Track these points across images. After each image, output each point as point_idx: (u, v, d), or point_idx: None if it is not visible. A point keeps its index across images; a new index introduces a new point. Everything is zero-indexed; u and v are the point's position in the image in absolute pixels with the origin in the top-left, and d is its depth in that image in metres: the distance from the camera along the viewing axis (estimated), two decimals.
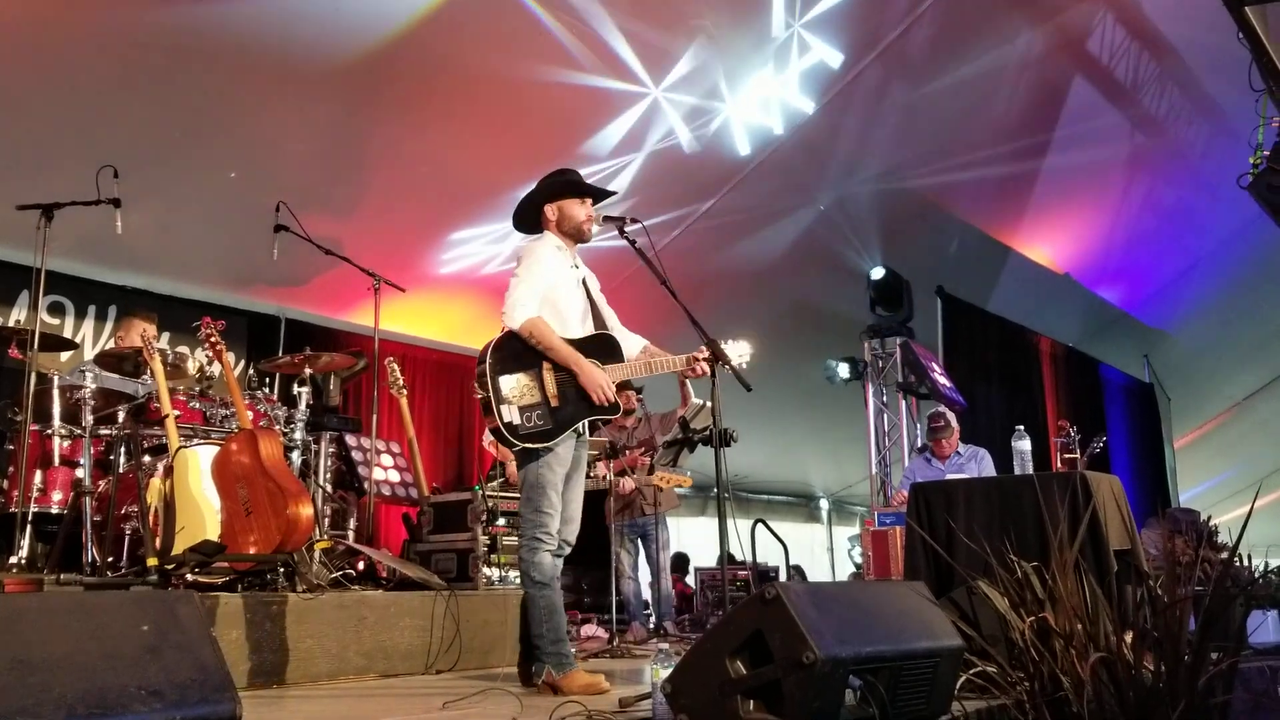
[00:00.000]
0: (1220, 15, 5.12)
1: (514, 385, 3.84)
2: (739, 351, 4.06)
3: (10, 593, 4.01)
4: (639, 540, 7.29)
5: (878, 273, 10.06)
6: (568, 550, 4.05)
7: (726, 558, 4.03)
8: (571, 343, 3.91)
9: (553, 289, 3.98)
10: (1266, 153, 6.36)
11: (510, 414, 3.80)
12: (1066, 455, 5.61)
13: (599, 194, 4.18)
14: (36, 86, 6.05)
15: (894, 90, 8.49)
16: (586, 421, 3.98)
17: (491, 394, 3.79)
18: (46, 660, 1.43)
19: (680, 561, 11.14)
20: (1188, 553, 5.97)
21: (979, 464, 7.14)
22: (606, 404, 3.90)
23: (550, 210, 4.11)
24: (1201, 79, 9.46)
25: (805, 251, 9.91)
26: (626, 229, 4.03)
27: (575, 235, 4.11)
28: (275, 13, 6.08)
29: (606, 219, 4.10)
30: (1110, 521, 4.29)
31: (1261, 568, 4.74)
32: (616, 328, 4.17)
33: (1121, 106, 9.70)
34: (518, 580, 5.43)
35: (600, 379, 3.88)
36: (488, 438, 6.58)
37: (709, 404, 3.98)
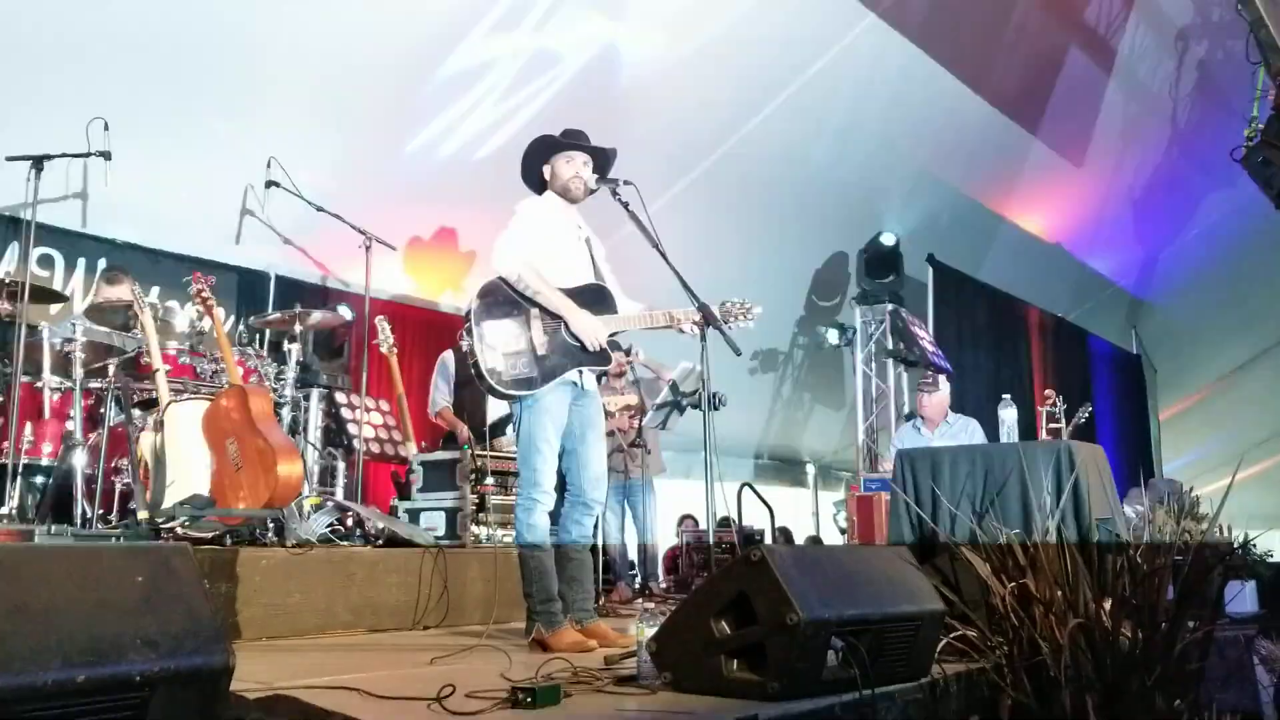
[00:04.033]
0: None
1: (500, 332, 3.81)
2: (743, 309, 4.02)
3: (4, 542, 4.02)
4: (625, 501, 7.33)
5: (889, 239, 10.08)
6: (598, 508, 4.07)
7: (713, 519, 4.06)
8: (563, 291, 3.91)
9: (546, 240, 3.97)
10: (1261, 126, 6.36)
11: (494, 360, 3.78)
12: (1052, 424, 5.66)
13: (592, 151, 4.15)
14: (25, 37, 5.98)
15: (889, 57, 8.46)
16: (586, 374, 3.99)
17: (475, 338, 3.78)
18: (43, 608, 1.45)
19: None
20: (1168, 523, 6.03)
21: (970, 434, 7.11)
22: (598, 349, 3.89)
23: (546, 169, 4.12)
24: (1198, 51, 9.46)
25: (797, 217, 9.90)
26: (619, 190, 4.03)
27: (564, 193, 4.10)
28: None
29: (600, 181, 4.08)
30: (1092, 491, 4.33)
31: (1241, 538, 4.80)
32: (618, 294, 4.16)
33: (1117, 78, 9.69)
34: (506, 539, 5.48)
35: (592, 324, 3.88)
36: (431, 411, 6.57)
37: (699, 367, 3.99)
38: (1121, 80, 9.74)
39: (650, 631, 2.86)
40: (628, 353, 7.13)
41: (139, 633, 1.52)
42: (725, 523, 8.56)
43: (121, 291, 5.38)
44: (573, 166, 4.08)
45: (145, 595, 1.55)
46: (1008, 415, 5.17)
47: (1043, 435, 5.85)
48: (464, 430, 6.20)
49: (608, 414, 6.55)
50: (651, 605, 2.99)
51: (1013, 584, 3.36)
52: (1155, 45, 9.42)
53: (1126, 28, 9.11)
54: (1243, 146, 6.52)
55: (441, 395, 6.51)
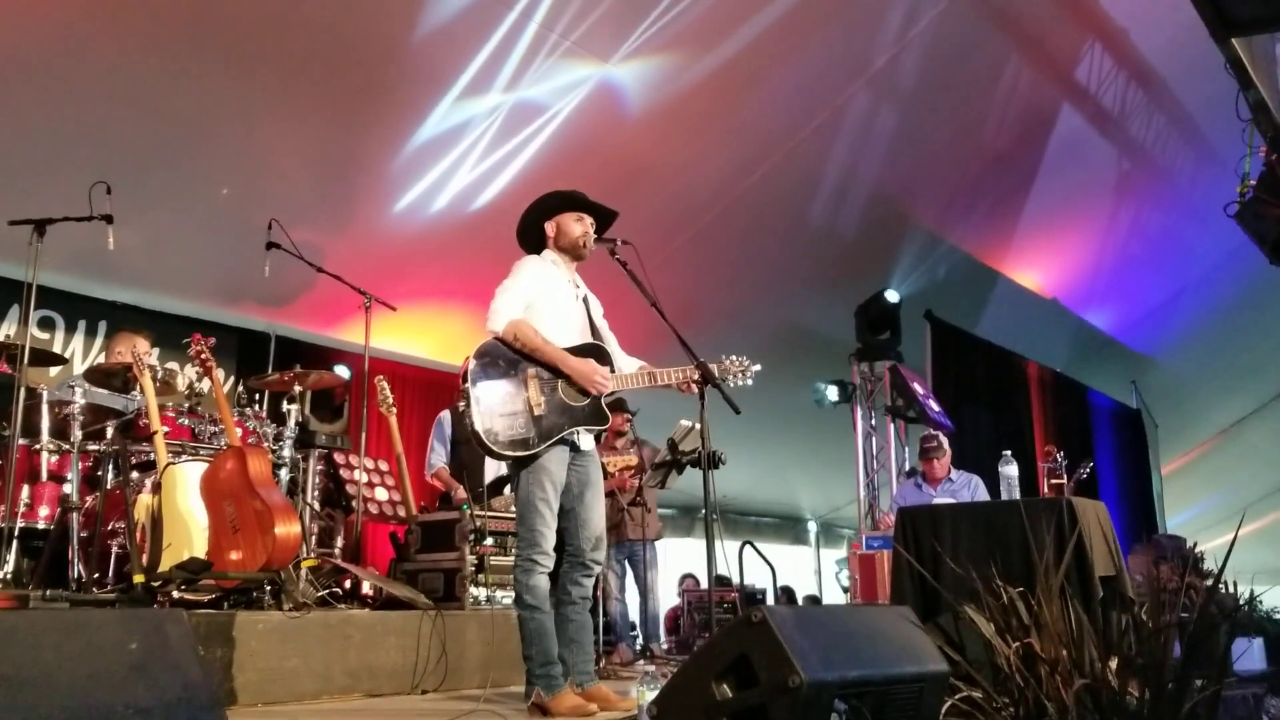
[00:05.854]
0: (1207, 46, 5.17)
1: (496, 392, 3.81)
2: (741, 366, 4.05)
3: None
4: (626, 561, 7.27)
5: (892, 296, 10.15)
6: (597, 569, 4.03)
7: (714, 578, 4.03)
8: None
9: (543, 299, 3.98)
10: (1253, 182, 6.40)
11: (490, 420, 3.77)
12: (1053, 480, 5.62)
13: (599, 212, 4.19)
14: (30, 101, 6.06)
15: (883, 115, 8.56)
16: (584, 434, 3.98)
17: (472, 399, 3.77)
18: (34, 678, 1.43)
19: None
20: (1173, 579, 5.99)
21: (972, 491, 7.08)
22: (602, 392, 3.88)
23: (550, 226, 4.14)
24: (1188, 108, 9.57)
25: (795, 274, 9.95)
26: (617, 250, 4.05)
27: (572, 252, 4.13)
28: (270, 29, 6.12)
29: (598, 240, 4.12)
30: (1096, 548, 4.31)
31: (1246, 594, 4.75)
32: (617, 351, 4.17)
33: (1109, 134, 9.79)
34: (505, 600, 5.43)
35: (591, 370, 3.87)
36: (428, 473, 6.54)
37: (698, 426, 3.98)
38: (1113, 136, 9.84)
39: (651, 695, 2.83)
40: (633, 414, 7.13)
41: (132, 701, 1.50)
42: (727, 582, 8.51)
43: (128, 347, 5.38)
44: (583, 225, 4.11)
45: (138, 662, 1.54)
46: (1009, 471, 5.15)
47: (1044, 491, 5.82)
48: (459, 491, 6.17)
49: (607, 474, 6.52)
50: (652, 668, 2.96)
51: (1017, 643, 3.33)
52: (1146, 102, 9.52)
53: (1117, 85, 9.22)
54: (1236, 202, 6.55)
55: (438, 456, 6.49)
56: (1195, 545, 7.24)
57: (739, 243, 9.29)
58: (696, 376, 3.91)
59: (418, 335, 9.05)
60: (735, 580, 7.88)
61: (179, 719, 1.53)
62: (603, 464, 6.33)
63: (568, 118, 7.43)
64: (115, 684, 1.52)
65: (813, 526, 17.21)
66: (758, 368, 4.06)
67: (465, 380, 3.82)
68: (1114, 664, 3.28)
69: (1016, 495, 5.11)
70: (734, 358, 4.05)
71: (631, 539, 7.09)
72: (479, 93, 6.97)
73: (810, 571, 16.71)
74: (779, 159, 8.45)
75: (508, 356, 3.87)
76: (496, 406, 3.79)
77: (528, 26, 6.63)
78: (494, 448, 3.77)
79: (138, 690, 1.53)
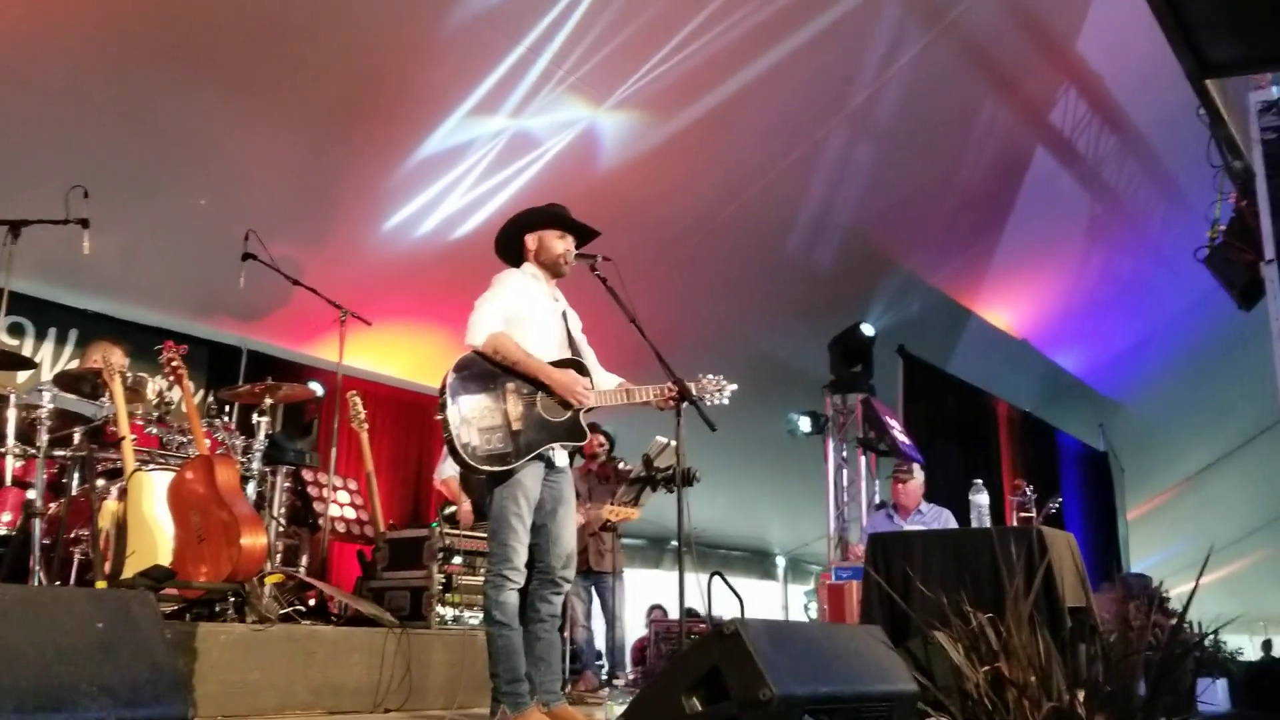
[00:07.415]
0: (1181, 92, 5.25)
1: (475, 406, 3.78)
2: (717, 385, 4.06)
3: None
4: (593, 589, 7.21)
5: (868, 330, 10.21)
6: (567, 586, 4.00)
7: (683, 606, 4.01)
8: None
9: (523, 312, 3.97)
10: (1223, 227, 6.49)
11: (469, 435, 3.74)
12: (1022, 514, 5.65)
13: (582, 231, 4.20)
14: (8, 104, 6.02)
15: (860, 151, 8.65)
16: (560, 451, 3.96)
17: (451, 412, 3.74)
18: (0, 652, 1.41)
19: None
20: (1139, 616, 6.00)
21: (942, 523, 7.08)
22: (583, 404, 3.87)
23: (531, 239, 4.13)
24: (1160, 153, 9.73)
25: (771, 306, 10.00)
26: (597, 266, 4.06)
27: (552, 268, 4.13)
28: (252, 41, 6.12)
29: (578, 256, 4.12)
30: (1065, 578, 4.33)
31: (1210, 631, 4.78)
32: (595, 367, 4.16)
33: (1082, 177, 9.94)
34: (472, 620, 5.38)
35: (572, 381, 3.87)
36: (438, 478, 6.51)
37: (673, 443, 3.98)
38: (1086, 180, 9.99)
39: (620, 709, 2.81)
40: (612, 443, 7.10)
41: (97, 680, 1.47)
42: (694, 613, 8.45)
43: (113, 356, 5.30)
44: (565, 243, 4.12)
45: (104, 642, 1.51)
46: (980, 500, 5.17)
47: (1013, 524, 5.84)
48: (465, 504, 6.10)
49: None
50: (621, 683, 2.94)
51: (986, 668, 3.33)
52: (1119, 147, 9.68)
53: (1091, 130, 9.37)
54: (1206, 247, 6.64)
55: (450, 465, 6.45)
56: (1162, 584, 7.27)
57: (716, 273, 9.33)
58: (674, 394, 3.92)
59: (392, 355, 9.01)
60: (704, 611, 7.83)
61: (144, 699, 1.51)
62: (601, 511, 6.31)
63: (558, 153, 7.47)
64: (81, 662, 1.49)
65: (781, 561, 17.21)
66: (734, 387, 4.07)
67: (443, 393, 3.79)
68: (1081, 694, 3.29)
69: (987, 523, 5.13)
70: (710, 376, 4.07)
71: (595, 570, 7.03)
72: (486, 113, 7.00)
73: (778, 606, 16.68)
74: (757, 190, 8.51)
75: (487, 370, 3.85)
76: (475, 420, 3.77)
77: (537, 62, 6.70)
78: (471, 462, 3.74)
79: (104, 669, 1.50)
